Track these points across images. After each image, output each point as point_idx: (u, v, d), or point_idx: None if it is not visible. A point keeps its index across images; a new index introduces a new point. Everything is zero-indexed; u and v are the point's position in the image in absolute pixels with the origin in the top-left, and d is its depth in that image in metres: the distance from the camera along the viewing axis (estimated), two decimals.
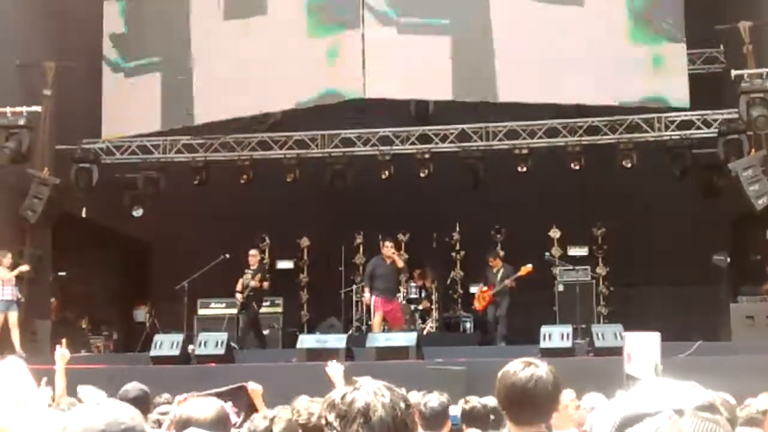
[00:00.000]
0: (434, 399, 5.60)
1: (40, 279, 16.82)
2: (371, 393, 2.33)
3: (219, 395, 5.16)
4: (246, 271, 16.73)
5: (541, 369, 3.39)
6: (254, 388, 6.77)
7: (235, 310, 17.19)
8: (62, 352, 8.33)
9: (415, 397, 5.50)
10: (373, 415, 2.30)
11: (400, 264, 16.41)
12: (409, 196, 18.21)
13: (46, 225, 16.95)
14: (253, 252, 17.02)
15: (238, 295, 16.70)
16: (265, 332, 17.43)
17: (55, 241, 17.42)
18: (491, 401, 5.69)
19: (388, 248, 16.24)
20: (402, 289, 18.27)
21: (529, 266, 16.72)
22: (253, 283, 16.46)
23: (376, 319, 15.97)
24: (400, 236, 19.46)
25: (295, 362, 13.79)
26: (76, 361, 14.66)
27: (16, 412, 0.89)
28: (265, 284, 16.92)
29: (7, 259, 15.27)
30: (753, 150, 15.33)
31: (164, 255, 20.07)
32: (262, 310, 17.57)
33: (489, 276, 17.13)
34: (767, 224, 14.77)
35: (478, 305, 17.28)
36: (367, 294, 16.47)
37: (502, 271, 16.86)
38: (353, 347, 14.07)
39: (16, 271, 15.35)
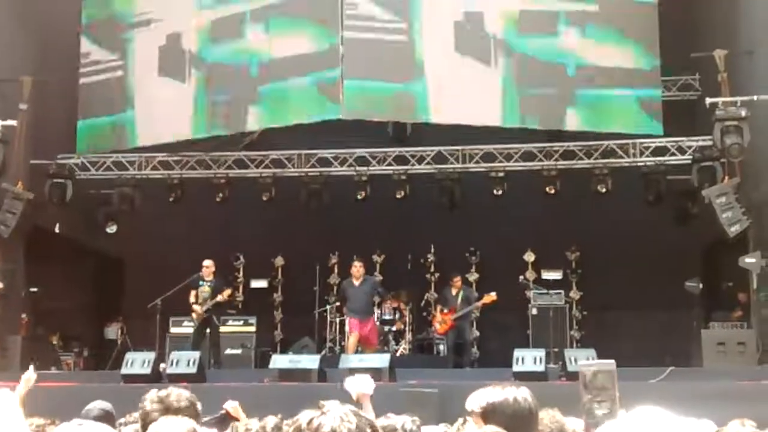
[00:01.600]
0: (408, 422, 5.56)
1: (12, 294, 16.67)
2: (338, 418, 2.31)
3: (204, 424, 5.08)
4: (201, 282, 16.14)
5: (524, 391, 3.51)
6: (233, 406, 6.68)
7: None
8: (28, 376, 7.18)
9: (390, 420, 5.46)
10: None
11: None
12: (385, 217, 18.24)
13: (19, 240, 16.84)
14: (207, 263, 16.24)
15: (197, 308, 16.01)
16: (238, 351, 17.33)
17: (28, 256, 17.28)
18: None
19: (357, 268, 16.13)
20: (376, 310, 18.27)
21: (493, 295, 16.57)
22: (219, 298, 16.08)
23: (351, 340, 15.88)
24: (375, 257, 19.48)
25: (268, 382, 13.72)
26: (46, 378, 14.55)
27: None
28: (227, 292, 16.28)
29: None
30: (726, 177, 15.43)
31: (137, 272, 19.95)
32: (236, 329, 17.45)
33: (448, 296, 16.89)
34: (739, 251, 14.86)
35: (439, 328, 17.07)
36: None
37: (462, 293, 16.77)
38: (326, 368, 14.02)
39: None
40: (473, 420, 3.61)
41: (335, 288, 19.37)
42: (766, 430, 3.69)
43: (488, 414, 3.54)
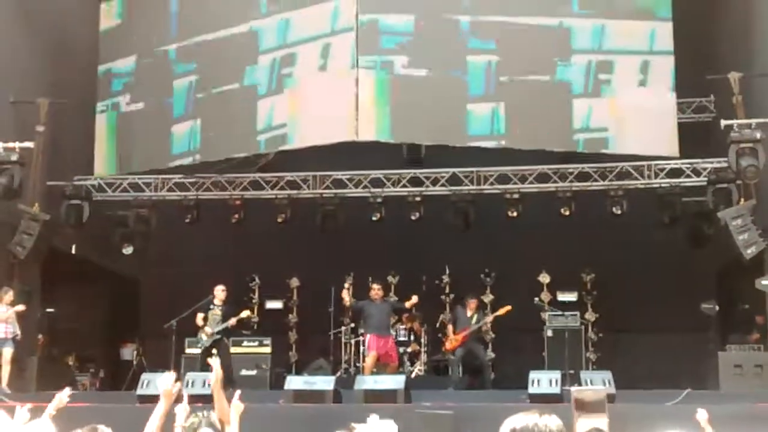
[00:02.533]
0: None
1: (29, 315, 16.72)
2: None
3: None
4: (212, 306, 16.21)
5: (552, 419, 3.50)
6: (237, 404, 6.63)
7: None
8: (61, 397, 7.61)
9: None
10: None
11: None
12: (399, 239, 18.24)
13: (36, 261, 16.89)
14: (220, 288, 16.34)
15: (208, 330, 16.09)
16: (253, 372, 17.31)
17: (44, 277, 17.35)
18: None
19: (375, 290, 16.19)
20: (391, 331, 18.29)
21: (508, 306, 16.60)
22: (232, 321, 16.14)
23: (369, 361, 15.84)
24: (390, 278, 19.47)
25: (283, 404, 13.70)
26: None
27: None
28: (245, 313, 16.49)
29: (9, 296, 15.19)
30: (742, 199, 15.39)
31: (153, 293, 20.00)
32: (251, 350, 17.45)
33: (460, 316, 16.74)
34: (756, 273, 14.79)
35: (448, 345, 17.00)
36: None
37: (476, 315, 16.70)
38: (341, 389, 13.99)
39: (13, 309, 15.23)
40: None
41: (350, 310, 19.39)
42: None
43: None
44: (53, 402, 7.39)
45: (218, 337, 16.15)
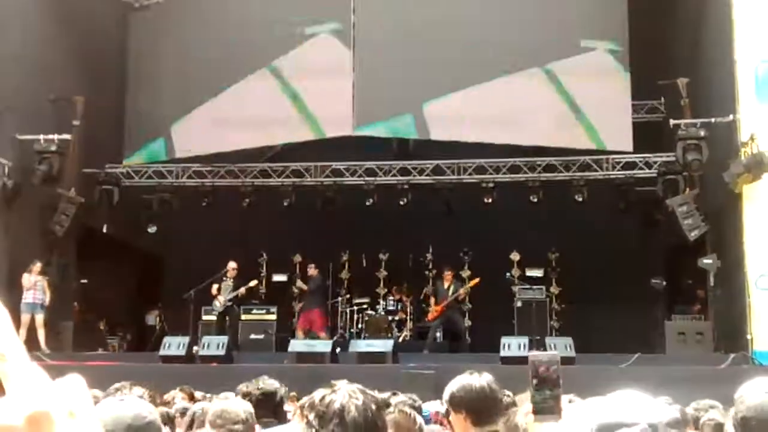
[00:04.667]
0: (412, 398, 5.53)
1: (65, 285, 16.72)
2: (346, 395, 2.31)
3: None
4: (225, 278, 16.41)
5: (485, 377, 3.54)
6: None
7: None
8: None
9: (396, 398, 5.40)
10: (347, 415, 2.27)
11: (304, 287, 16.91)
12: (389, 221, 18.20)
13: (72, 238, 16.91)
14: (232, 265, 16.56)
15: (221, 298, 16.26)
16: (261, 336, 17.32)
17: (79, 252, 17.37)
18: None
19: (312, 269, 16.27)
20: (381, 302, 18.36)
21: (476, 279, 16.89)
22: (242, 290, 16.30)
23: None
24: (381, 255, 19.49)
25: (287, 364, 13.73)
26: (95, 359, 14.59)
27: (70, 422, 0.88)
28: (253, 282, 16.72)
29: (37, 267, 15.17)
30: (687, 189, 15.45)
31: (174, 267, 19.96)
32: (259, 317, 17.48)
33: (439, 288, 16.78)
34: (699, 253, 14.85)
35: (429, 315, 17.01)
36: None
37: (453, 286, 16.66)
38: (338, 352, 14.02)
39: (43, 278, 15.20)
40: (450, 410, 3.60)
41: (345, 282, 19.46)
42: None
43: (454, 402, 3.54)
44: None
45: (230, 304, 16.25)
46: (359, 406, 2.29)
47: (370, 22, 16.02)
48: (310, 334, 16.49)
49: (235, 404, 4.02)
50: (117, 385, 3.52)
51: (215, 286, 16.32)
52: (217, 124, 17.10)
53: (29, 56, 15.98)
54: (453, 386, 3.56)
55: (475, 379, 3.55)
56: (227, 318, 16.39)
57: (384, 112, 16.39)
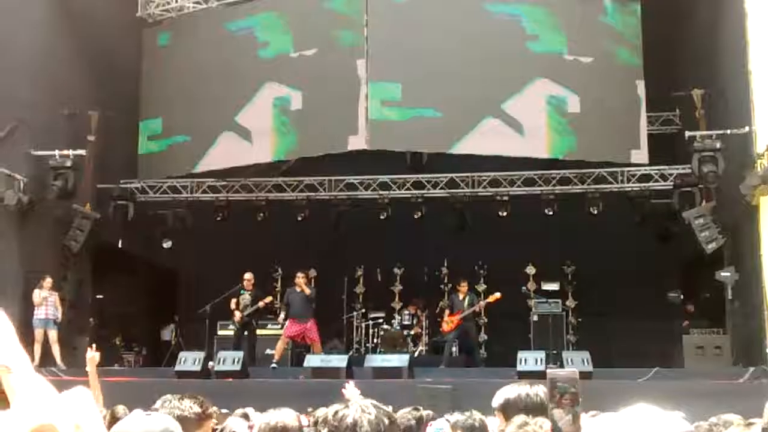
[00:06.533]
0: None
1: (81, 300, 16.78)
2: (359, 410, 2.32)
3: None
4: (242, 292, 16.25)
5: (537, 387, 3.54)
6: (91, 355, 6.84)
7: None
8: (92, 355, 7.25)
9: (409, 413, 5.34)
10: (360, 430, 2.28)
11: (307, 291, 15.87)
12: (404, 235, 18.21)
13: (87, 254, 16.97)
14: (248, 276, 16.37)
15: (237, 314, 16.10)
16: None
17: (95, 267, 17.43)
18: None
19: (299, 278, 15.91)
20: (396, 316, 18.31)
21: (498, 294, 16.37)
22: (261, 304, 16.11)
23: (279, 343, 15.74)
24: (396, 269, 19.47)
25: (302, 379, 13.71)
26: (110, 374, 14.61)
27: None
28: (268, 298, 16.45)
29: (47, 282, 15.22)
30: (704, 201, 15.37)
31: (189, 282, 20.01)
32: (274, 332, 17.45)
33: (455, 301, 16.50)
34: (716, 266, 14.75)
35: (445, 327, 16.81)
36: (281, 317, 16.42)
37: (468, 297, 16.52)
38: (353, 366, 13.99)
39: (55, 293, 15.24)
40: (497, 415, 3.59)
41: (360, 297, 19.41)
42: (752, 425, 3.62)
43: (505, 409, 3.53)
44: (89, 366, 7.23)
45: (248, 320, 16.19)
46: (372, 421, 2.30)
47: (382, 42, 15.92)
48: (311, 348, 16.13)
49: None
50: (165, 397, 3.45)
51: (233, 301, 16.27)
52: (232, 139, 17.09)
53: (43, 71, 16.10)
54: (506, 393, 3.56)
55: (530, 389, 3.55)
56: (245, 332, 16.35)
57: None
